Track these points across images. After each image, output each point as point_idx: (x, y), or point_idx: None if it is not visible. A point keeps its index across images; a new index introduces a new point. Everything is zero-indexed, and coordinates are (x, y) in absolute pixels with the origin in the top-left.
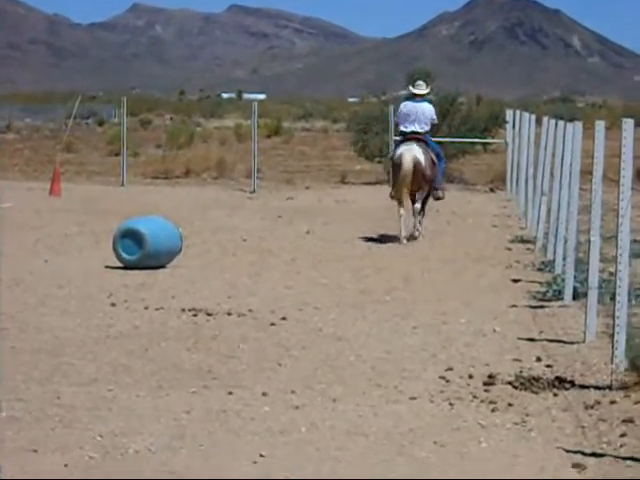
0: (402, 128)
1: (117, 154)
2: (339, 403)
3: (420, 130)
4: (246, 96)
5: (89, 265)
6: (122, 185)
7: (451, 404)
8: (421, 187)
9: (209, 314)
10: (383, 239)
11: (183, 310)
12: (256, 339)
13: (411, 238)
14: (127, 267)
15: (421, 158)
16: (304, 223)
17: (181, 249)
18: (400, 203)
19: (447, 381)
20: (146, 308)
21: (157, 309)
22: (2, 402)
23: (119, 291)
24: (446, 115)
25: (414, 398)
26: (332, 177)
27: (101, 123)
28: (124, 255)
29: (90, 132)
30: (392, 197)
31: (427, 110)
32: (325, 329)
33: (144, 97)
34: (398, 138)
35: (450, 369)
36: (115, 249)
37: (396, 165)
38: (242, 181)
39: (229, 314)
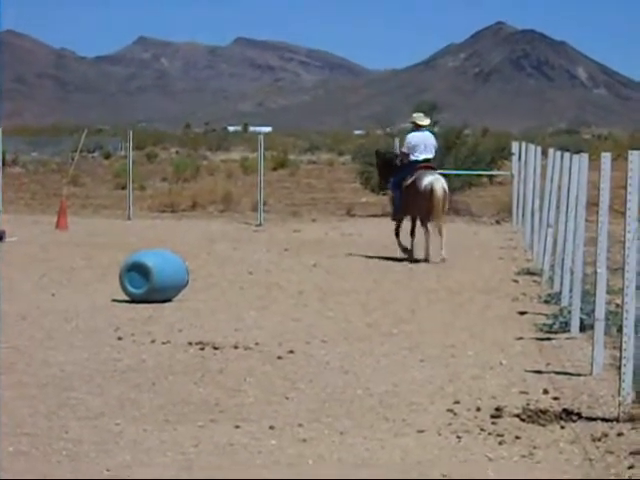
0: (413, 157)
1: (123, 187)
2: (346, 436)
3: (430, 157)
4: (252, 129)
5: (96, 299)
6: (128, 219)
7: (459, 437)
8: (444, 212)
9: (216, 347)
10: (389, 272)
11: (190, 344)
12: (263, 372)
13: (441, 260)
14: (134, 301)
15: (446, 187)
16: (311, 256)
17: (187, 282)
18: (414, 229)
19: (454, 414)
20: (153, 342)
21: (164, 343)
22: (9, 436)
23: (126, 325)
24: (452, 147)
25: (422, 431)
26: (338, 210)
27: (107, 156)
28: (131, 289)
29: (96, 165)
30: (397, 223)
31: (431, 139)
32: (332, 362)
33: (150, 130)
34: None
35: (457, 402)
36: (122, 283)
37: (425, 193)
38: (248, 214)
39: (236, 347)
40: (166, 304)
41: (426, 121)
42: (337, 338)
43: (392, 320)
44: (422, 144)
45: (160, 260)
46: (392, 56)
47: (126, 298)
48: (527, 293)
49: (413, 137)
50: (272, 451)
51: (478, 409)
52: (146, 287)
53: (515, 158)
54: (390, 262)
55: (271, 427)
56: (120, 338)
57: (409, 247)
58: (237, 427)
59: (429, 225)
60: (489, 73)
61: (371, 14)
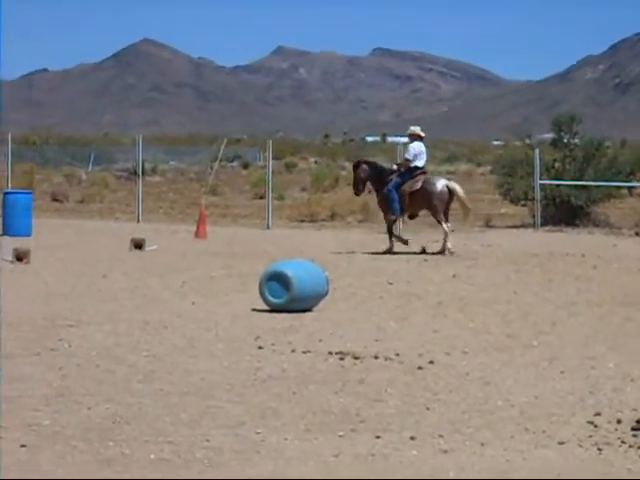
0: (417, 164)
1: (262, 197)
2: (487, 447)
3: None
4: (390, 139)
5: (236, 308)
6: (267, 228)
7: (599, 449)
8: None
9: (356, 357)
10: (529, 283)
11: (330, 353)
12: (404, 383)
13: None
14: (274, 310)
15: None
16: (450, 267)
17: (327, 292)
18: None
19: (595, 426)
20: (293, 351)
21: (304, 352)
22: (151, 444)
23: (266, 334)
24: (591, 159)
25: (562, 443)
26: (477, 220)
27: (246, 166)
28: (271, 298)
29: (235, 175)
30: (394, 222)
31: (425, 149)
32: (472, 373)
33: (288, 140)
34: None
35: (598, 414)
36: (262, 292)
37: (443, 194)
38: None
39: (376, 358)
40: (306, 314)
41: (423, 133)
42: (477, 349)
43: (532, 331)
44: (422, 153)
45: (300, 270)
46: (531, 67)
47: (266, 307)
48: None
49: (418, 146)
50: (413, 462)
51: (619, 421)
52: (286, 297)
53: None
54: (529, 273)
55: (412, 437)
56: (260, 347)
57: (390, 245)
58: (378, 437)
59: (443, 222)
60: (629, 84)
61: (509, 25)
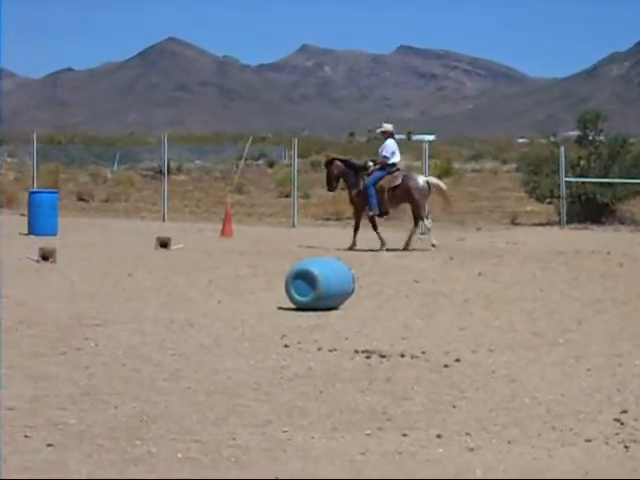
0: (394, 160)
1: (287, 195)
2: (514, 445)
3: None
4: (416, 137)
5: (262, 306)
6: (293, 226)
7: (626, 447)
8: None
9: (382, 356)
10: (555, 281)
11: (356, 352)
12: (430, 381)
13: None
14: (300, 308)
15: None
16: (476, 264)
17: (353, 290)
18: (425, 217)
19: (622, 424)
20: (319, 350)
21: (330, 351)
22: (178, 442)
23: (292, 332)
24: (617, 156)
25: (589, 440)
26: (503, 218)
27: (271, 164)
28: (297, 297)
29: (260, 173)
30: (377, 216)
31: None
32: (499, 371)
33: (313, 138)
34: (373, 166)
35: (625, 411)
36: (288, 291)
37: (425, 188)
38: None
39: (402, 356)
40: (332, 312)
41: (394, 130)
42: (503, 347)
43: (558, 329)
44: (397, 149)
45: (326, 268)
46: (556, 64)
47: (292, 306)
48: None
49: (393, 143)
50: (439, 460)
51: None
52: (312, 295)
53: None
54: (555, 271)
55: (438, 435)
56: (287, 346)
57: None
58: (404, 435)
59: (425, 218)
60: None
61: (534, 22)
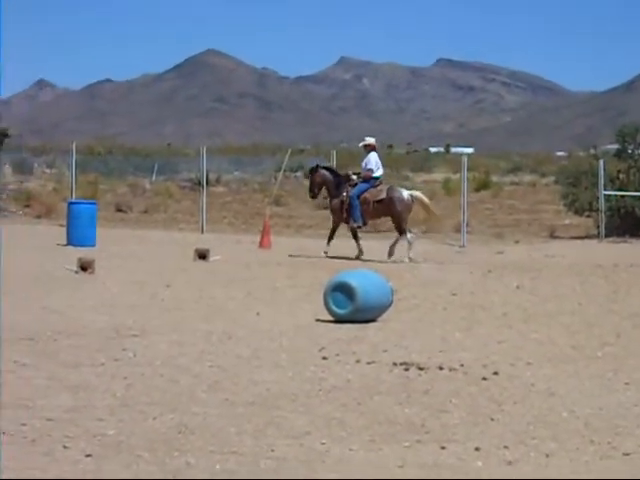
0: (377, 174)
1: (326, 207)
2: (552, 459)
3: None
4: (454, 150)
5: (300, 318)
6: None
7: None
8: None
9: (420, 368)
10: (593, 294)
11: (395, 364)
12: (468, 394)
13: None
14: (338, 321)
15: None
16: (514, 277)
17: (391, 303)
18: (407, 231)
19: None
20: (357, 362)
21: (368, 363)
22: (216, 454)
23: (330, 344)
24: None
25: (627, 454)
26: (541, 231)
27: None
28: (335, 309)
29: (299, 185)
30: (358, 228)
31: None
32: (537, 384)
33: (352, 150)
34: (357, 179)
35: None
36: (326, 303)
37: (410, 203)
38: (451, 235)
39: (441, 368)
40: (370, 324)
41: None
42: (542, 360)
43: (596, 343)
44: (380, 163)
45: (365, 280)
46: (595, 78)
47: (330, 318)
48: None
49: (375, 157)
50: (478, 473)
51: None
52: (351, 307)
53: None
54: (594, 284)
55: (477, 448)
56: (325, 358)
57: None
58: (443, 448)
59: (407, 231)
60: None
61: (573, 35)
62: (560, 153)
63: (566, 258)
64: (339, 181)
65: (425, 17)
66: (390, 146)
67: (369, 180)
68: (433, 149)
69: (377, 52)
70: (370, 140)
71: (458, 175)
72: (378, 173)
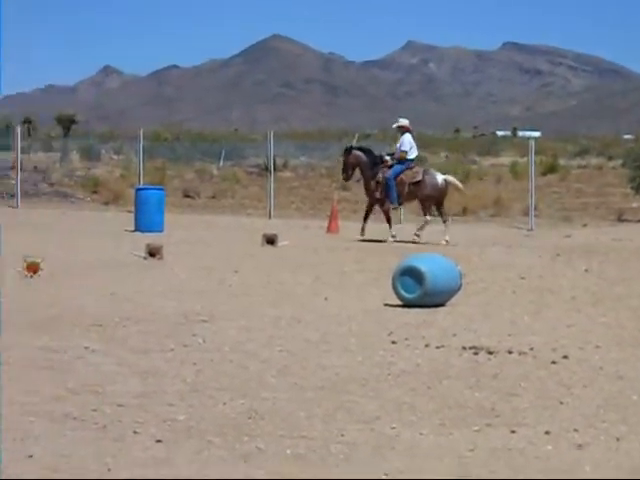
0: (412, 156)
1: None
2: (623, 442)
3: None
4: (521, 133)
5: (368, 303)
6: (399, 222)
7: None
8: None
9: (490, 352)
10: None
11: (464, 348)
12: (538, 377)
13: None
14: (406, 305)
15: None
16: (582, 261)
17: (461, 287)
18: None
19: None
20: (427, 346)
21: (437, 347)
22: (286, 439)
23: (399, 329)
24: None
25: None
26: (609, 214)
27: None
28: (404, 293)
29: None
30: (394, 209)
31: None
32: (606, 368)
33: (419, 135)
34: (391, 160)
35: None
36: (395, 287)
37: (444, 187)
38: (519, 219)
39: (510, 352)
40: (439, 308)
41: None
42: (610, 343)
43: None
44: (414, 145)
45: (433, 265)
46: None
47: (399, 302)
48: None
49: (409, 139)
50: (548, 456)
51: None
52: (419, 292)
53: None
54: None
55: (547, 432)
56: (394, 342)
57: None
58: (513, 432)
59: (428, 213)
60: None
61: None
62: (627, 136)
63: (634, 241)
64: (374, 162)
65: (491, 0)
66: (457, 130)
67: (404, 162)
68: (500, 133)
69: (443, 36)
70: (404, 121)
71: (525, 159)
72: (412, 155)
